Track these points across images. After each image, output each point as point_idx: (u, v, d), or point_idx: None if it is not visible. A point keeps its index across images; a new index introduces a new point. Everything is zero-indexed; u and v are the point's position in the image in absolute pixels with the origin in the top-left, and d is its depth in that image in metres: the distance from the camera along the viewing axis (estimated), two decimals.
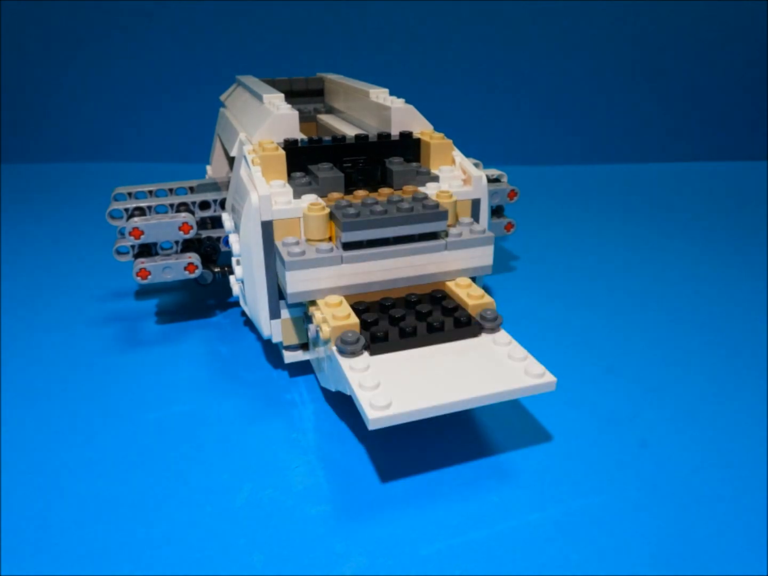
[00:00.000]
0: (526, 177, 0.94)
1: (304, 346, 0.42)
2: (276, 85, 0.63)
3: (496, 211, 0.58)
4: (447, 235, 0.38)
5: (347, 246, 0.36)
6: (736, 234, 0.72)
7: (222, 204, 0.50)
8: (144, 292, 0.56)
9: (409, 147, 0.44)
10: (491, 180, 0.57)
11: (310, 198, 0.38)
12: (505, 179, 0.58)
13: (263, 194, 0.37)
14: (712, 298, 0.55)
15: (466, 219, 0.40)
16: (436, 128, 0.46)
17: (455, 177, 0.43)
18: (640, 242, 0.69)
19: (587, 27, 1.02)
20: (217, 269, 0.50)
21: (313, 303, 0.36)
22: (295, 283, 0.35)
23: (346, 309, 0.34)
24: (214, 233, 0.50)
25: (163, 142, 1.03)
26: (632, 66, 1.03)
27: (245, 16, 0.99)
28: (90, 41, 1.00)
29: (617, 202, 0.85)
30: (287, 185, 0.39)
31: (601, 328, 0.50)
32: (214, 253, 0.50)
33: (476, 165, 0.61)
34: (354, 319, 0.34)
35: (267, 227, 0.37)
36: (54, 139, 1.04)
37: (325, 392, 0.41)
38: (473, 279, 0.40)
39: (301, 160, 0.42)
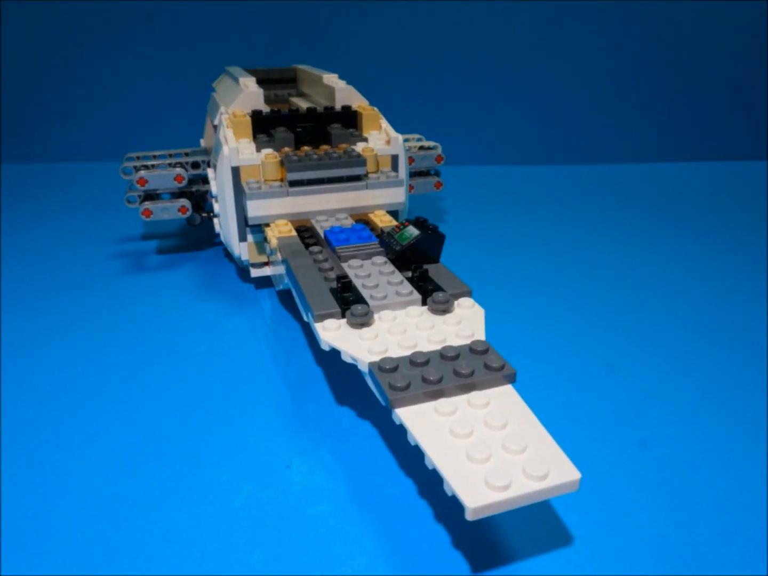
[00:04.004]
0: (526, 177, 0.96)
1: (266, 266, 0.56)
2: (255, 73, 0.77)
3: (433, 173, 0.72)
4: (368, 178, 0.52)
5: (292, 183, 0.50)
6: (736, 234, 0.72)
7: (209, 164, 0.64)
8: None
9: (348, 117, 0.58)
10: (426, 148, 0.71)
11: (267, 151, 0.52)
12: (439, 149, 0.72)
13: (232, 147, 0.51)
14: (712, 298, 0.56)
15: (386, 169, 0.54)
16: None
17: (380, 139, 0.56)
18: (640, 242, 0.69)
19: (588, 26, 1.03)
20: (204, 214, 0.64)
21: (267, 225, 0.51)
22: (254, 209, 0.49)
23: (289, 226, 0.49)
24: (203, 188, 0.64)
25: (163, 140, 1.06)
26: (632, 66, 1.04)
27: (239, 11, 1.04)
28: (90, 41, 1.02)
29: (616, 202, 0.85)
30: (252, 142, 0.53)
31: (601, 328, 0.50)
32: (202, 202, 0.64)
33: (419, 139, 0.75)
34: (293, 232, 0.48)
35: (235, 171, 0.51)
36: (54, 139, 1.04)
37: (279, 296, 0.55)
38: (393, 214, 0.54)
39: (265, 125, 0.56)
